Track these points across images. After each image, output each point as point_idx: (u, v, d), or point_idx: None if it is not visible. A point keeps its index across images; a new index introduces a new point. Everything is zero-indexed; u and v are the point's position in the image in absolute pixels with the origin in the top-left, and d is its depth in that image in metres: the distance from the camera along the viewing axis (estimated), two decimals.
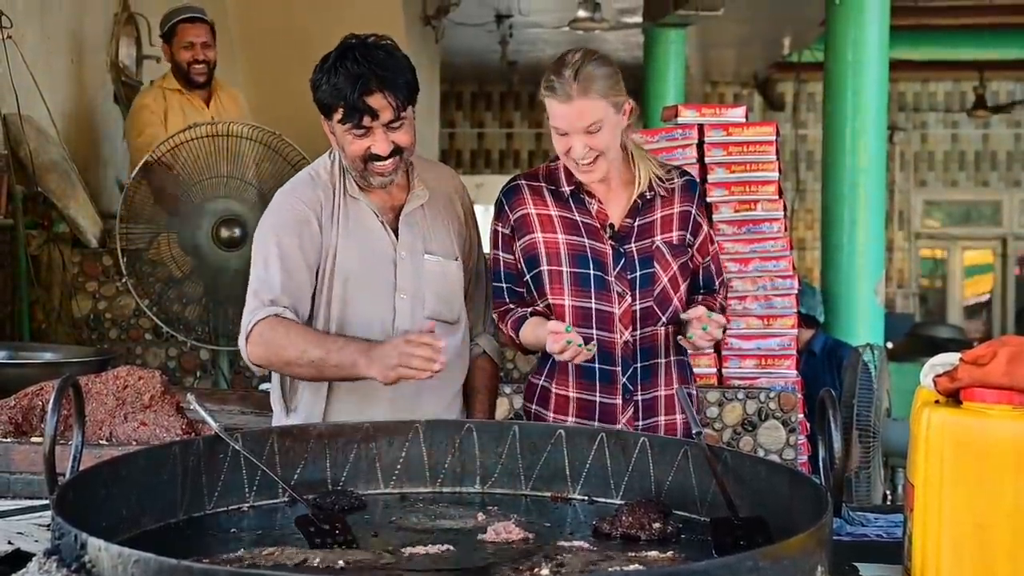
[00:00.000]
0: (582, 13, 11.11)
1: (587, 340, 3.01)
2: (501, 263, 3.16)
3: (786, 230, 4.60)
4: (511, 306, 3.14)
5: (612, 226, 3.07)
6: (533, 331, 3.04)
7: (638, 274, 3.05)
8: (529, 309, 3.10)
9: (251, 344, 2.95)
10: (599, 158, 2.97)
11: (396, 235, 3.06)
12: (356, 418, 2.79)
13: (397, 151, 2.95)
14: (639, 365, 3.08)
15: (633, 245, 3.07)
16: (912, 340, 11.58)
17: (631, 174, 3.10)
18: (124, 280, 4.98)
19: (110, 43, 6.99)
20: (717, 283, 3.23)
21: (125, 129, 6.35)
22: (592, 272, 3.05)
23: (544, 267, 3.07)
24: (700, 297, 3.14)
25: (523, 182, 3.14)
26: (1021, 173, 16.89)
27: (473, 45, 13.95)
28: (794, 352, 4.56)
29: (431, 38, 11.82)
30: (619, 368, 3.08)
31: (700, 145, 4.55)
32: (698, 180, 3.21)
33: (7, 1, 5.47)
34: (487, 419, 3.20)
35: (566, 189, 3.08)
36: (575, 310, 3.06)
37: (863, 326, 7.33)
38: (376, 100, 2.87)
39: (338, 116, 2.91)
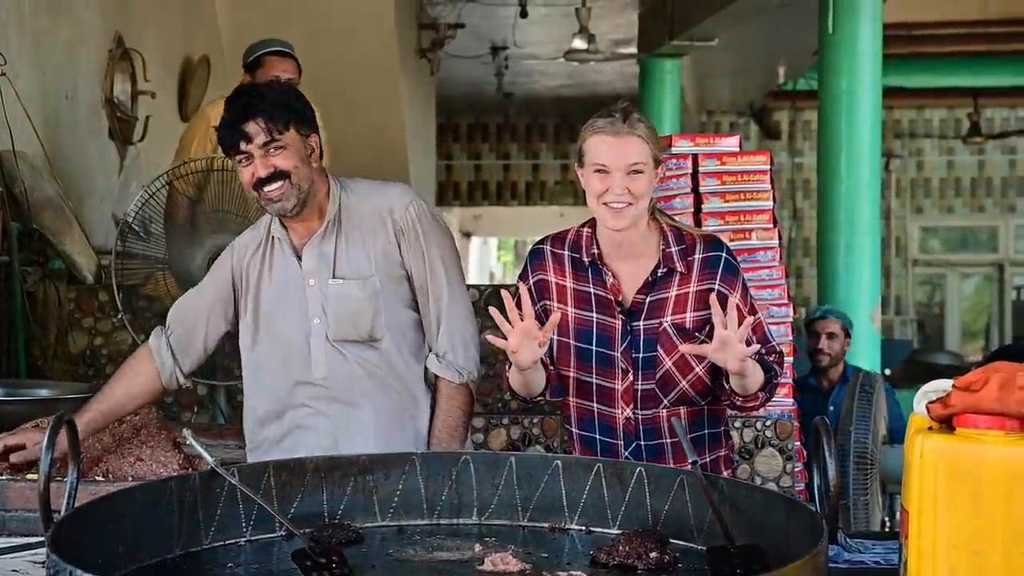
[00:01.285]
0: (577, 44, 11.14)
1: (586, 411, 3.08)
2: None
3: (781, 258, 4.60)
4: None
5: (622, 302, 3.04)
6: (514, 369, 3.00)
7: (641, 355, 3.02)
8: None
9: None
10: (631, 205, 2.94)
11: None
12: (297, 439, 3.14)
13: (280, 175, 3.08)
14: (643, 443, 3.06)
15: (641, 323, 3.03)
16: (910, 366, 11.56)
17: (651, 247, 3.05)
18: (120, 316, 4.98)
19: (105, 79, 7.00)
20: (762, 348, 2.99)
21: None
22: (595, 348, 3.05)
23: (553, 336, 3.06)
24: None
25: (548, 248, 3.13)
26: (1016, 199, 16.94)
27: (469, 77, 14.01)
28: (790, 380, 4.56)
29: (427, 71, 11.88)
30: (620, 442, 3.07)
31: (695, 175, 4.56)
32: (723, 254, 3.05)
33: (1, 37, 5.49)
34: (444, 440, 3.23)
35: (587, 259, 3.07)
36: (577, 383, 3.08)
37: (860, 353, 7.32)
38: (249, 126, 3.05)
39: (229, 152, 3.10)
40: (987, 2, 12.54)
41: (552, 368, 3.08)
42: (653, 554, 2.25)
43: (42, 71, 6.15)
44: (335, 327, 3.18)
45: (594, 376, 3.06)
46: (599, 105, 3.11)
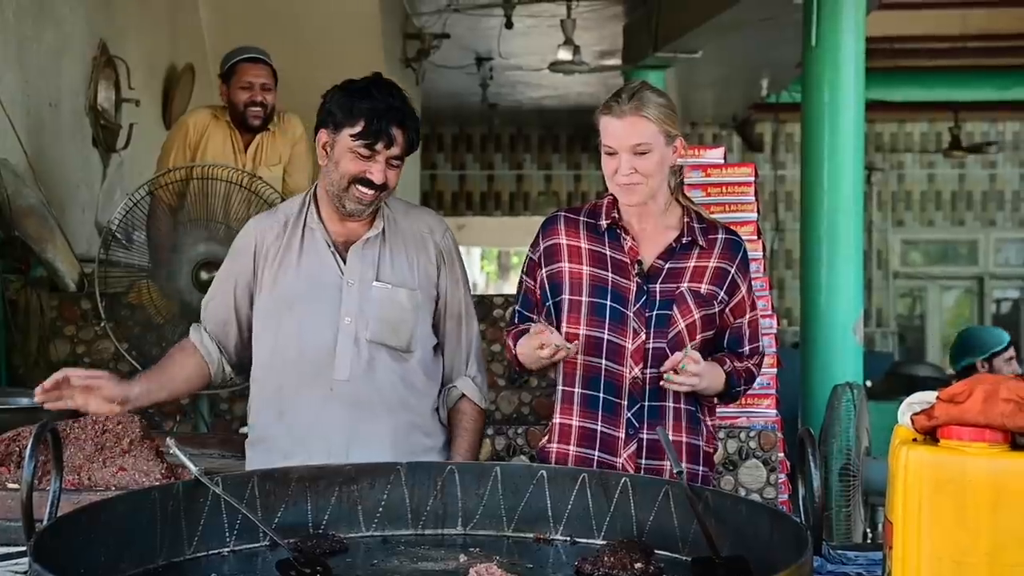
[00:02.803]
0: (562, 55, 11.16)
1: (593, 368, 3.07)
2: (523, 287, 3.23)
3: (765, 270, 4.61)
4: (520, 326, 3.19)
5: (641, 263, 3.08)
6: (527, 340, 3.05)
7: (655, 313, 3.05)
8: (531, 324, 3.12)
9: None
10: (641, 184, 3.00)
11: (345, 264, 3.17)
12: (302, 437, 3.10)
13: (384, 187, 3.08)
14: (647, 403, 3.08)
15: (658, 286, 3.07)
16: (891, 379, 11.58)
17: (674, 219, 3.13)
18: (103, 324, 4.97)
19: (89, 87, 6.99)
20: (747, 348, 3.18)
21: None
22: (609, 303, 3.07)
23: (565, 296, 3.10)
24: (723, 355, 3.12)
25: (562, 214, 3.20)
26: (996, 212, 17.02)
27: (454, 87, 14.01)
28: (774, 391, 4.57)
29: (412, 81, 11.87)
30: (624, 402, 3.08)
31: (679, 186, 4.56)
32: (743, 243, 3.17)
33: None
34: (469, 460, 3.21)
35: (604, 223, 3.12)
36: (587, 339, 3.07)
37: (842, 365, 7.33)
38: (397, 132, 3.04)
39: (354, 130, 3.03)
40: (967, 17, 12.60)
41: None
42: (638, 565, 2.25)
43: (26, 78, 6.13)
44: (376, 328, 3.15)
45: (606, 332, 3.07)
46: (583, 117, 3.16)
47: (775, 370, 4.57)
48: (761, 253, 4.59)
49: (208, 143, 5.73)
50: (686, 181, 4.56)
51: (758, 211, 4.59)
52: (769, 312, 4.58)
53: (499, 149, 17.39)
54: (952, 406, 1.97)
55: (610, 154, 3.02)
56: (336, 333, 3.14)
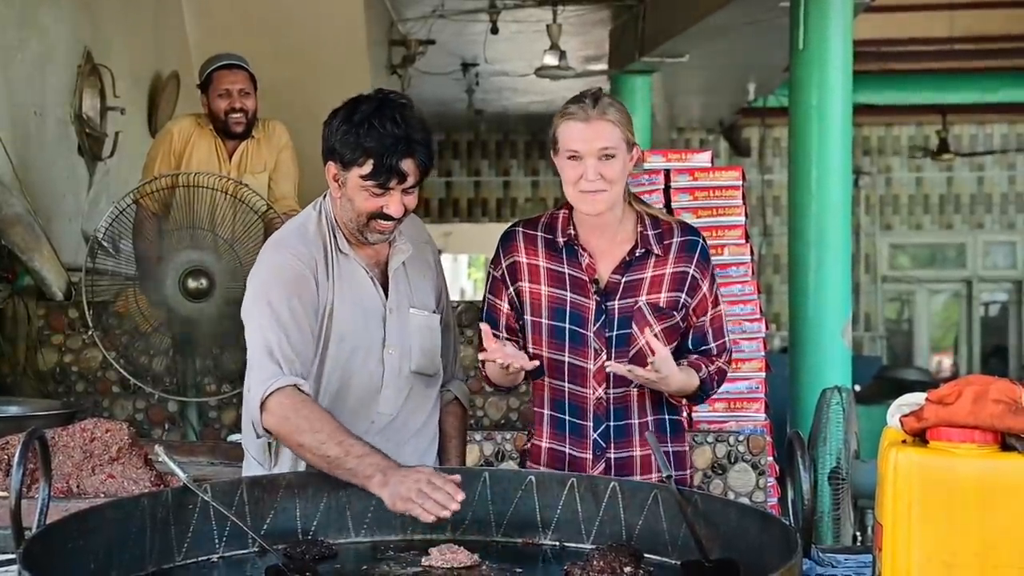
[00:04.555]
0: (548, 61, 11.16)
1: (558, 391, 3.05)
2: (488, 305, 3.15)
3: (753, 274, 4.62)
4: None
5: (597, 281, 3.05)
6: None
7: (615, 333, 3.03)
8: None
9: (266, 412, 2.78)
10: (606, 191, 2.95)
11: (384, 290, 3.03)
12: None
13: (404, 215, 2.92)
14: (612, 423, 3.06)
15: (616, 303, 3.04)
16: (879, 383, 11.61)
17: (628, 230, 3.08)
18: (91, 332, 4.96)
19: (74, 95, 6.97)
20: (714, 345, 3.12)
21: None
22: (568, 326, 3.04)
23: (528, 317, 3.08)
24: (692, 357, 3.08)
25: (520, 229, 3.13)
26: (984, 216, 17.04)
27: (440, 94, 14.00)
28: (763, 395, 4.57)
29: (397, 87, 11.86)
30: (590, 423, 3.06)
31: (667, 190, 4.57)
32: (700, 240, 3.10)
33: None
34: (459, 464, 3.19)
35: (561, 240, 3.07)
36: (550, 362, 3.06)
37: (831, 369, 7.34)
38: (408, 164, 2.83)
39: (363, 171, 2.83)
40: (955, 19, 12.62)
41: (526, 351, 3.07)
42: (628, 569, 2.25)
43: (10, 87, 6.12)
44: (419, 359, 3.05)
45: (567, 355, 3.04)
46: None
47: (763, 374, 4.58)
48: (749, 257, 4.59)
49: (193, 151, 5.70)
50: (673, 185, 4.58)
51: (746, 214, 4.60)
52: (757, 316, 4.58)
53: (485, 155, 17.38)
54: (941, 407, 1.97)
55: (573, 158, 2.95)
56: (382, 367, 3.01)
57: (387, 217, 2.89)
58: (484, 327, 2.93)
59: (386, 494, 2.57)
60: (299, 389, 2.79)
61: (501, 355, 2.84)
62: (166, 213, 5.03)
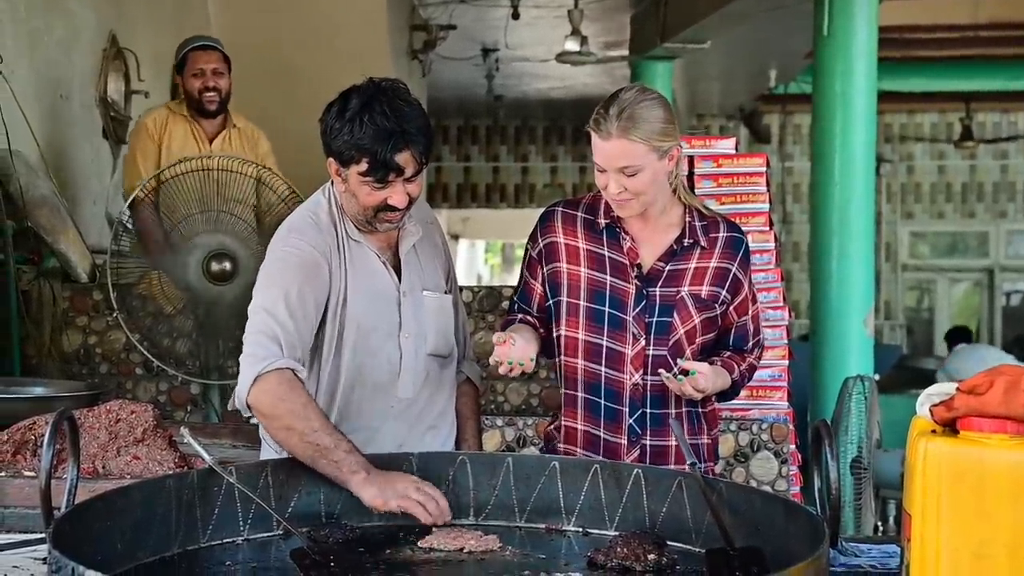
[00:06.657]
0: (569, 46, 11.13)
1: (593, 374, 3.02)
2: (523, 281, 3.15)
3: (777, 261, 4.60)
4: (509, 316, 3.15)
5: (640, 266, 3.03)
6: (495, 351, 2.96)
7: (655, 319, 3.01)
8: (519, 316, 3.09)
9: (258, 389, 2.75)
10: (632, 200, 2.93)
11: (398, 275, 3.03)
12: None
13: (411, 203, 2.93)
14: (649, 411, 3.04)
15: (658, 290, 3.02)
16: (900, 372, 11.58)
17: (675, 218, 3.05)
18: (115, 315, 4.98)
19: (99, 78, 6.99)
20: (751, 343, 3.16)
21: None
22: (607, 310, 3.02)
23: (563, 298, 3.05)
24: (727, 354, 3.09)
25: (560, 209, 3.12)
26: (1007, 204, 16.97)
27: (459, 79, 13.99)
28: (786, 383, 4.55)
29: (418, 72, 11.86)
30: (625, 408, 3.03)
31: (690, 176, 4.56)
32: (744, 238, 3.10)
33: None
34: (476, 445, 3.20)
35: (602, 221, 3.05)
36: (587, 345, 3.03)
37: (853, 358, 7.32)
38: (403, 157, 2.83)
39: (360, 168, 2.83)
40: (978, 6, 12.55)
41: (542, 331, 3.07)
42: (651, 556, 2.25)
43: (37, 70, 6.14)
44: (434, 341, 3.05)
45: (604, 338, 3.02)
46: (589, 108, 3.08)
47: (787, 362, 4.56)
48: (773, 244, 4.57)
49: (171, 138, 5.81)
50: (697, 171, 4.56)
51: (770, 201, 4.58)
52: (780, 304, 4.57)
53: (504, 141, 17.37)
54: (972, 397, 1.96)
55: (600, 171, 2.94)
56: (400, 351, 3.01)
57: (393, 209, 2.90)
58: (497, 338, 2.86)
59: (372, 491, 2.58)
60: (295, 374, 2.78)
61: (504, 368, 2.83)
62: (187, 198, 5.03)
